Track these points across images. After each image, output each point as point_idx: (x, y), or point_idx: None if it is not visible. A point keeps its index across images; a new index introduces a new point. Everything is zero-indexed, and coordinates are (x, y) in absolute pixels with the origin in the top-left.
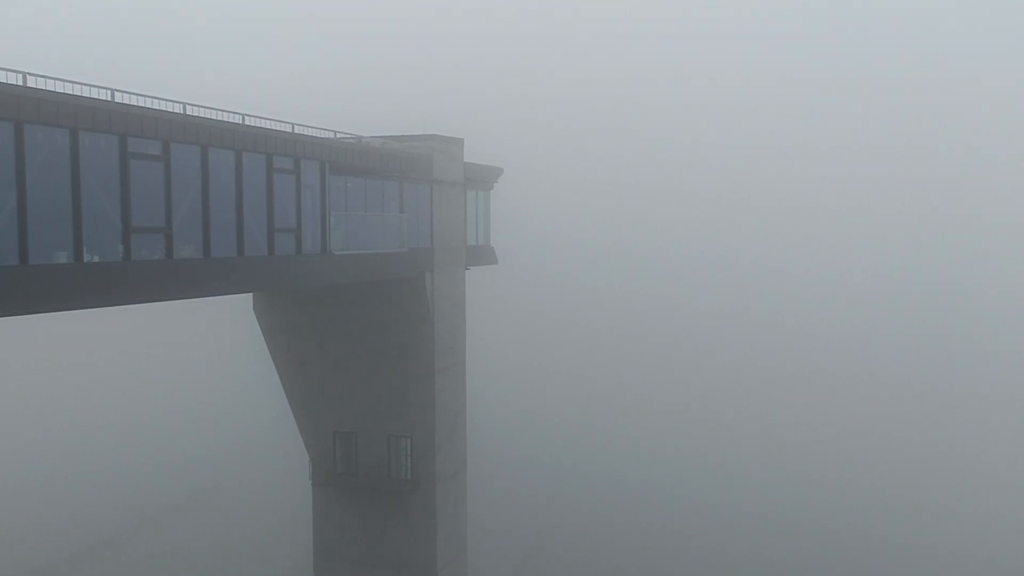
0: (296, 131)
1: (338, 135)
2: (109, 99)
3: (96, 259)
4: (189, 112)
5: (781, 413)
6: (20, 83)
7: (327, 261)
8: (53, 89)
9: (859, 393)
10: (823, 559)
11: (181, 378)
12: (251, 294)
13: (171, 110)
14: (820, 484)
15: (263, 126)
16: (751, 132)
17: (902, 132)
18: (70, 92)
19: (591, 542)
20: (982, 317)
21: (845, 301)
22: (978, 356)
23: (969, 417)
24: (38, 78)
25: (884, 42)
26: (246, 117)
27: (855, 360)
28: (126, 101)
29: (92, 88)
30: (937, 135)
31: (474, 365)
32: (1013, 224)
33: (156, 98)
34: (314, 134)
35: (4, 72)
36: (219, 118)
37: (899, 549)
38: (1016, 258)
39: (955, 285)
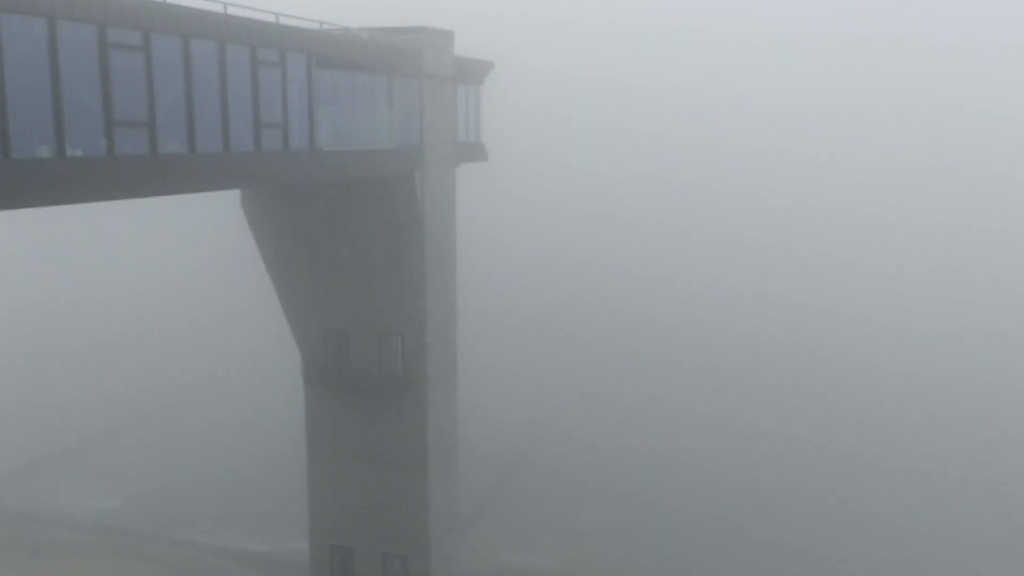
0: (281, 22)
1: (324, 27)
2: None
3: (79, 153)
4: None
5: (766, 319)
6: None
7: (315, 158)
8: None
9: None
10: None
11: (169, 275)
12: (238, 191)
13: None
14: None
15: (246, 16)
16: (755, 44)
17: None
18: None
19: (581, 439)
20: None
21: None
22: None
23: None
24: None
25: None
26: (228, 6)
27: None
28: None
29: None
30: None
31: (465, 264)
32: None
33: None
34: (299, 25)
35: None
36: (200, 7)
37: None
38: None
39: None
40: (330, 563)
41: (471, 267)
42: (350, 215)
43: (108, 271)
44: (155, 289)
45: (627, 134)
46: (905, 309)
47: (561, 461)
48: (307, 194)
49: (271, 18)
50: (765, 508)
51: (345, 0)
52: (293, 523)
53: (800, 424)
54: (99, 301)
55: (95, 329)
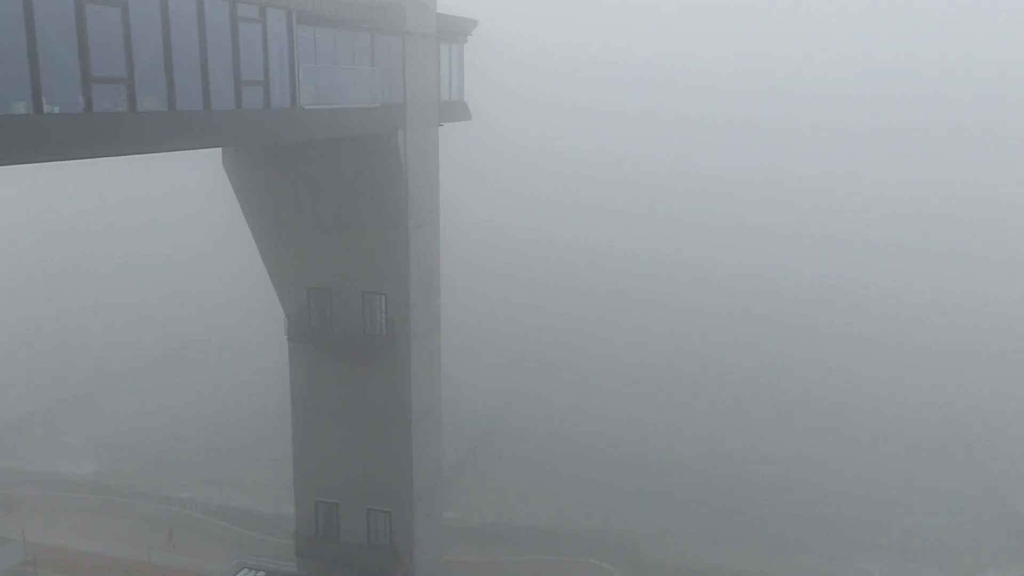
0: None
1: None
2: None
3: (56, 110)
4: None
5: (742, 290)
6: None
7: (297, 116)
8: None
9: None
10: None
11: (150, 236)
12: (219, 150)
13: None
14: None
15: None
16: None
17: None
18: None
19: (563, 396)
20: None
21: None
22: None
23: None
24: None
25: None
26: None
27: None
28: None
29: None
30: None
31: (448, 222)
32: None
33: None
34: None
35: None
36: None
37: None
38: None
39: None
40: (315, 519)
41: (454, 226)
42: (333, 173)
43: (86, 231)
44: (135, 251)
45: (612, 95)
46: (889, 288)
47: (538, 423)
48: (289, 152)
49: None
50: (732, 468)
51: None
52: (278, 480)
53: (768, 388)
54: (81, 261)
55: (79, 292)
